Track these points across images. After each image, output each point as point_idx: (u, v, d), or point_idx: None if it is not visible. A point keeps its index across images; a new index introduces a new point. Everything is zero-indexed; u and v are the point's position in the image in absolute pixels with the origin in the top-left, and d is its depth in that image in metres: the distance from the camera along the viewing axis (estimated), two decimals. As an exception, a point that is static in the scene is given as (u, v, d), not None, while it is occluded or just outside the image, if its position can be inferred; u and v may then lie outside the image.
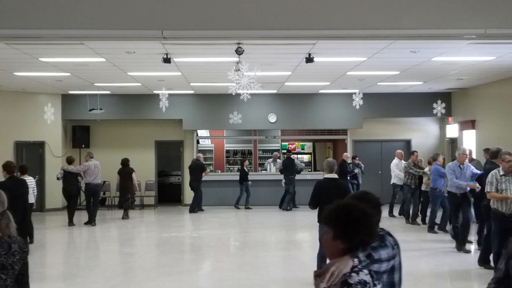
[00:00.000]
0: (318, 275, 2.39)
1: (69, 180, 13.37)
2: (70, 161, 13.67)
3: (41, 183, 15.24)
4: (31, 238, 10.80)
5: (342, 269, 2.36)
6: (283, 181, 15.76)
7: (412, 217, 12.85)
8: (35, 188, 10.91)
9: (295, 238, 12.03)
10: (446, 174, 10.03)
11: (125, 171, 14.67)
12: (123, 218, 14.31)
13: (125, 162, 14.74)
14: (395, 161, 14.23)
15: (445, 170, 10.53)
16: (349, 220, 2.46)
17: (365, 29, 5.31)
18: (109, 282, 7.97)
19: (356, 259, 2.43)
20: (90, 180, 13.54)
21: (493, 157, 8.79)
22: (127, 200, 14.56)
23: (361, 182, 15.37)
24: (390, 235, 3.07)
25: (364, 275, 2.41)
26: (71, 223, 13.26)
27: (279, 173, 16.23)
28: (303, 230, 12.86)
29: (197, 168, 15.60)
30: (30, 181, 10.47)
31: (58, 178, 13.62)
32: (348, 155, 15.63)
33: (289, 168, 15.75)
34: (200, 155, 16.36)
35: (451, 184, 9.65)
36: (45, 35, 5.44)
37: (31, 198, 10.58)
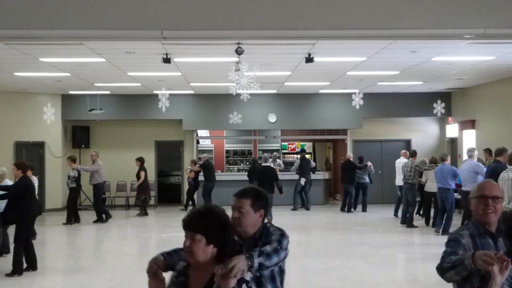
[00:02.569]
0: (223, 275, 2.44)
1: (79, 180, 13.50)
2: (75, 160, 13.65)
3: (41, 183, 15.22)
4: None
5: (242, 268, 2.51)
6: (303, 180, 15.40)
7: (411, 219, 12.45)
8: (36, 188, 10.94)
9: (298, 238, 12.00)
10: (482, 174, 9.56)
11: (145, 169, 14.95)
12: (145, 215, 14.82)
13: (144, 161, 14.98)
14: (404, 160, 13.48)
15: (456, 170, 10.97)
16: (220, 223, 2.57)
17: (365, 29, 5.30)
18: (109, 282, 7.97)
19: (249, 262, 2.61)
20: (102, 180, 13.61)
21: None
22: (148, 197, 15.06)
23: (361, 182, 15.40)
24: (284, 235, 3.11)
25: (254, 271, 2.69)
26: (77, 221, 13.36)
27: (296, 173, 15.60)
28: (312, 230, 12.83)
29: (212, 168, 15.56)
30: (34, 180, 10.50)
31: (75, 178, 13.38)
32: (351, 155, 15.63)
33: (307, 167, 15.66)
34: (206, 154, 16.35)
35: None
36: (45, 35, 5.43)
37: None
